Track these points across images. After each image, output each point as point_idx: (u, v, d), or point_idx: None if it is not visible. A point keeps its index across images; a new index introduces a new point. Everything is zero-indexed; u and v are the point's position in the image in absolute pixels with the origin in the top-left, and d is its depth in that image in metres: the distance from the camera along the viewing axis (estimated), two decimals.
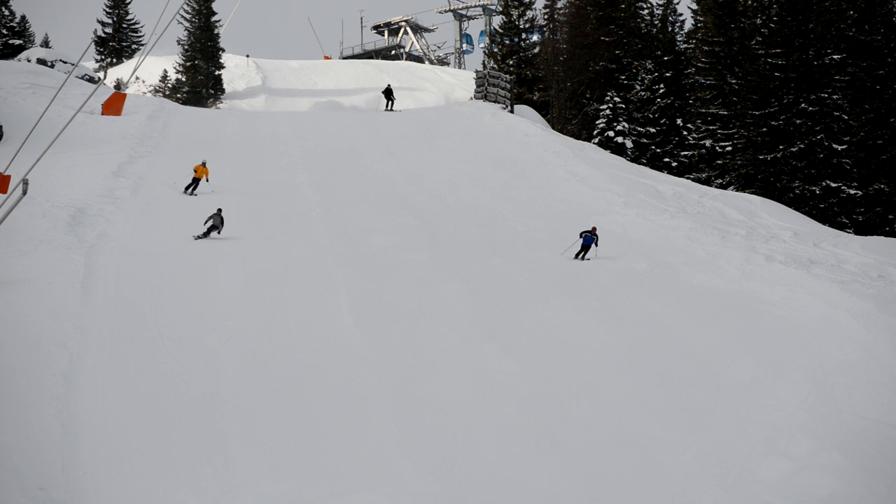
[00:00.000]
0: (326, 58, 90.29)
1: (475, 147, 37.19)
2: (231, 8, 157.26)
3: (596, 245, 24.38)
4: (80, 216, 23.83)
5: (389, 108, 48.05)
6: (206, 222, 24.16)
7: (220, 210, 24.50)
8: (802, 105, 41.91)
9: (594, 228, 24.72)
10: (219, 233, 24.22)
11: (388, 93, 48.34)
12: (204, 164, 29.32)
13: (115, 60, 77.81)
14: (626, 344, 18.97)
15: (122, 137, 34.79)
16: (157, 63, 69.88)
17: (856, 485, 14.20)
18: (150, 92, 67.58)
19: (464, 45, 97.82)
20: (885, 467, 14.71)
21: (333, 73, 78.06)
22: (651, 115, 49.57)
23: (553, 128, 46.65)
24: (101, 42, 78.89)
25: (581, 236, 24.57)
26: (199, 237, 23.94)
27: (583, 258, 24.29)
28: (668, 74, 50.64)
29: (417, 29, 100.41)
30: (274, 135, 39.35)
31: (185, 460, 13.38)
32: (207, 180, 29.18)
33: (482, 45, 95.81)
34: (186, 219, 25.65)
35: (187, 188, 29.01)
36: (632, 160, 44.81)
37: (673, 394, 16.88)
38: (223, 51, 72.84)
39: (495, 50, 57.06)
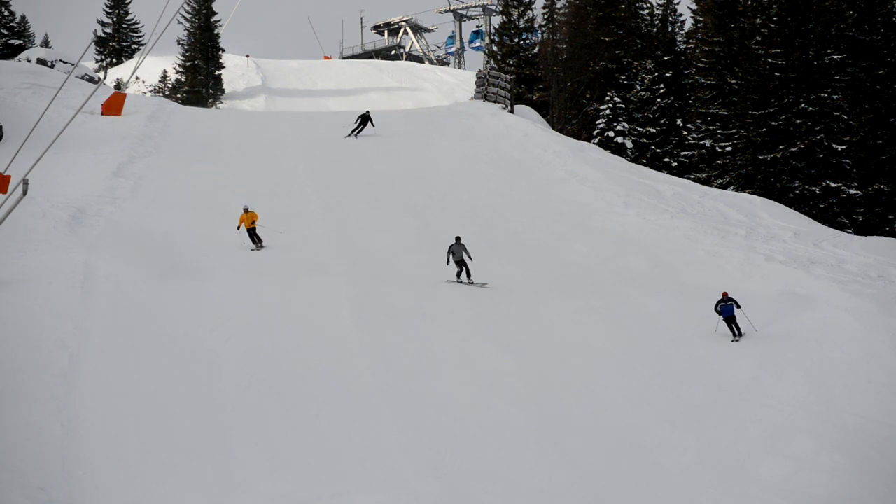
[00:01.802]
0: (326, 58, 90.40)
1: (475, 147, 37.17)
2: (231, 8, 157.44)
3: (738, 307, 19.88)
4: (80, 216, 23.81)
5: (357, 133, 38.18)
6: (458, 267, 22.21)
7: (458, 238, 22.39)
8: (802, 105, 41.88)
9: (725, 294, 20.05)
10: (459, 276, 22.16)
11: (365, 119, 38.48)
12: (247, 210, 24.08)
13: (115, 60, 77.88)
14: (626, 344, 18.98)
15: (122, 137, 34.77)
16: (157, 63, 69.95)
17: (855, 485, 14.21)
18: (150, 92, 67.57)
19: (454, 47, 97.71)
20: (885, 467, 14.73)
21: (333, 73, 78.11)
22: (651, 115, 49.55)
23: (553, 128, 46.62)
24: (101, 42, 78.96)
25: (719, 310, 19.89)
26: (458, 274, 22.21)
27: (738, 333, 19.67)
28: (668, 74, 50.62)
29: (417, 29, 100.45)
30: (274, 135, 39.33)
31: (185, 460, 13.37)
32: (256, 224, 24.19)
33: (473, 44, 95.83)
34: (186, 219, 25.65)
35: (256, 243, 23.94)
36: (632, 160, 44.78)
37: (673, 394, 16.90)
38: (223, 51, 72.84)
39: (495, 50, 57.07)
